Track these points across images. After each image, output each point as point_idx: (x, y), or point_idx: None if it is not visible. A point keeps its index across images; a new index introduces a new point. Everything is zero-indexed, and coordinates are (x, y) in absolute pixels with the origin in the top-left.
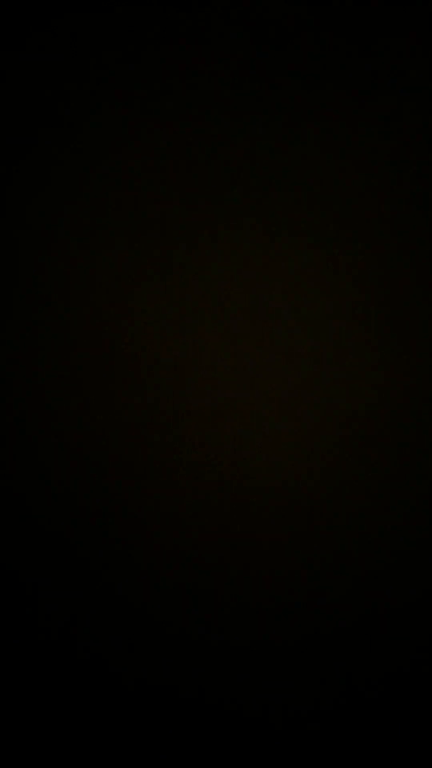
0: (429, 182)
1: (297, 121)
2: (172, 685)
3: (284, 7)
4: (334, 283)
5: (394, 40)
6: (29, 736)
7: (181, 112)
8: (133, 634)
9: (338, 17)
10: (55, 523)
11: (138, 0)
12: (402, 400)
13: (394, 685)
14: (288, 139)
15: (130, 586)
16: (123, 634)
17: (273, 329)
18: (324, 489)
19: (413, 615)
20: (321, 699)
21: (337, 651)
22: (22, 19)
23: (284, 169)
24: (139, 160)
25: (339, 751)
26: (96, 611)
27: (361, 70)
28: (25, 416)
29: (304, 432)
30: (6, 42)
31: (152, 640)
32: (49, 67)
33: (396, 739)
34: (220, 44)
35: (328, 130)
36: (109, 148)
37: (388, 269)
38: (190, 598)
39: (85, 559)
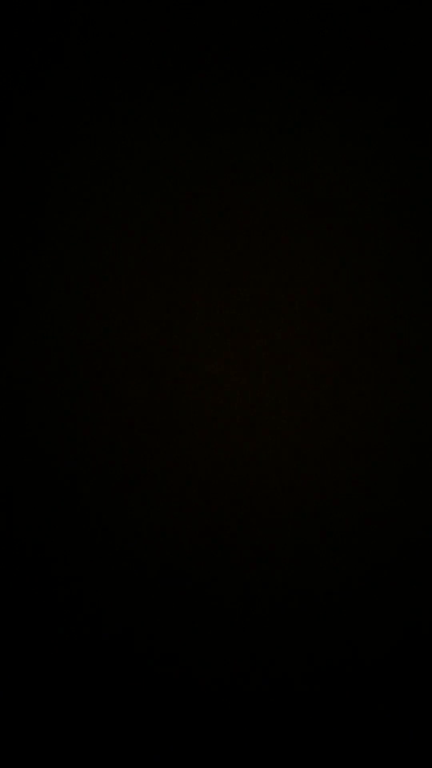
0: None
1: (298, 119)
2: (170, 686)
3: (284, 6)
4: (335, 282)
5: (394, 39)
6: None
7: (180, 110)
8: (133, 634)
9: (338, 16)
10: (54, 523)
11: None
12: (404, 399)
13: (394, 685)
14: (289, 136)
15: (128, 586)
16: (122, 634)
17: (273, 329)
18: (324, 488)
19: (415, 616)
20: (321, 696)
21: (337, 650)
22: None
23: (285, 169)
24: (139, 156)
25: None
26: (96, 610)
27: (363, 61)
28: (24, 415)
29: (304, 431)
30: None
31: (150, 638)
32: (47, 65)
33: (396, 740)
34: (220, 41)
35: (330, 127)
36: (107, 147)
37: (391, 269)
38: (188, 598)
39: (84, 558)
